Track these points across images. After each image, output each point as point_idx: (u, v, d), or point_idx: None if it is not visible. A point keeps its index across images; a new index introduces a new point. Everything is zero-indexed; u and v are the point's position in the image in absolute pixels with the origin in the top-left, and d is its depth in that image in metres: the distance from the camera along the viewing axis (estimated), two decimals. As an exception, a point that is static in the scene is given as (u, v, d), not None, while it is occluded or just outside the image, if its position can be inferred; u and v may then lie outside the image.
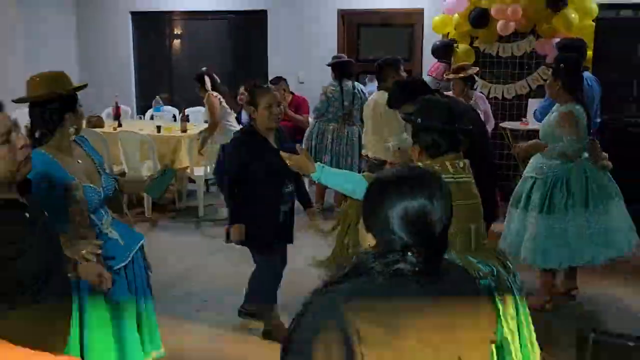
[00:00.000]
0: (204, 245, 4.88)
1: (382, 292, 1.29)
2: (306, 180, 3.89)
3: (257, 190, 3.21)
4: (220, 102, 5.60)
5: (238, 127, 5.46)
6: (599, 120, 4.92)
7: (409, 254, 1.29)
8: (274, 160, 2.96)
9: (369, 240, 1.36)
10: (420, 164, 2.28)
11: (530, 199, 3.73)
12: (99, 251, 2.11)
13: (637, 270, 4.40)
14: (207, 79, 5.60)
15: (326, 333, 1.22)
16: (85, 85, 2.52)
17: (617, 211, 3.77)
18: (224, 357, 3.35)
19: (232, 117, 5.79)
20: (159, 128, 5.69)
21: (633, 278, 4.36)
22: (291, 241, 3.51)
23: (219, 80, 5.75)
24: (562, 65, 3.75)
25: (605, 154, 3.82)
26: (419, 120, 2.36)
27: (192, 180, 5.77)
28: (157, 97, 6.67)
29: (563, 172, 3.66)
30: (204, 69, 5.75)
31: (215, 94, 5.57)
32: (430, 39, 6.26)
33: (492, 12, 5.54)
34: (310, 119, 5.84)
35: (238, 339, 3.46)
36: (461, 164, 2.35)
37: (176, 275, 4.19)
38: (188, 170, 5.60)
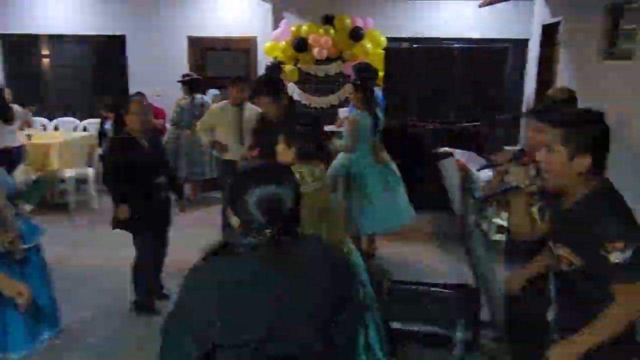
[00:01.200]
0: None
1: (244, 266, 1.40)
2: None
3: (133, 182, 3.46)
4: None
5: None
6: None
7: (266, 231, 1.39)
8: (144, 157, 3.41)
9: (235, 222, 1.47)
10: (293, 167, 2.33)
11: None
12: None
13: (414, 234, 5.29)
14: None
15: (196, 309, 1.32)
16: None
17: (400, 193, 4.51)
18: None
19: None
20: (29, 137, 6.03)
21: (413, 240, 5.29)
22: (168, 224, 3.81)
23: None
24: (358, 82, 4.49)
25: (383, 153, 4.48)
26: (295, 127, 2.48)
27: (63, 180, 6.05)
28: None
29: (363, 163, 4.32)
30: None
31: None
32: (263, 60, 7.23)
33: (310, 40, 6.59)
34: (168, 126, 6.57)
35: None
36: (317, 171, 2.50)
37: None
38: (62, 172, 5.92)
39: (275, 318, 1.36)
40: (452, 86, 7.14)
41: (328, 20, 6.82)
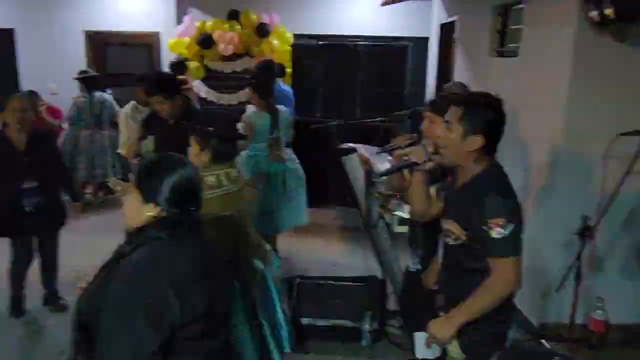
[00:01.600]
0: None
1: (166, 251, 1.47)
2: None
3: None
4: None
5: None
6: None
7: (187, 212, 1.51)
8: (12, 160, 3.22)
9: (148, 211, 1.50)
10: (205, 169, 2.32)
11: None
12: None
13: (323, 229, 5.53)
14: None
15: (153, 297, 1.37)
16: None
17: (301, 191, 4.56)
18: None
19: None
20: None
21: (321, 235, 5.49)
22: (49, 229, 3.67)
23: None
24: (254, 82, 4.52)
25: (278, 152, 4.40)
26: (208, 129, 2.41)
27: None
28: None
29: (264, 164, 4.32)
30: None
31: None
32: (167, 57, 6.91)
33: (215, 37, 6.39)
34: (65, 126, 6.14)
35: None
36: (234, 172, 2.48)
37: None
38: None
39: (212, 294, 1.50)
40: (357, 83, 7.24)
41: (233, 15, 6.64)
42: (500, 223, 1.78)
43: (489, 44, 4.82)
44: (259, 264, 2.43)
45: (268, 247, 2.67)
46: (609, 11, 3.02)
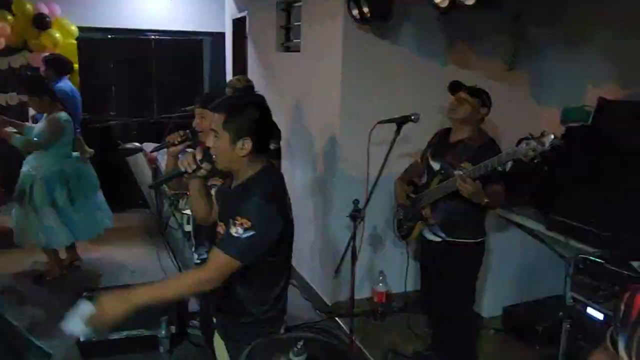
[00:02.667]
0: None
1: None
2: None
3: None
4: None
5: None
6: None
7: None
8: None
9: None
10: None
11: (32, 195, 3.89)
12: None
13: (118, 234, 4.94)
14: None
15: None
16: None
17: (98, 196, 4.29)
18: None
19: None
20: None
21: (118, 240, 4.98)
22: None
23: None
24: (25, 87, 4.05)
25: (89, 149, 4.23)
26: None
27: None
28: None
29: (59, 171, 3.94)
30: None
31: None
32: None
33: None
34: None
35: None
36: None
37: None
38: None
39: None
40: (153, 78, 6.78)
41: (4, 4, 5.68)
42: (245, 225, 1.68)
43: (276, 40, 4.83)
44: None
45: None
46: (365, 10, 3.17)
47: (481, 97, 2.72)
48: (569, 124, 3.33)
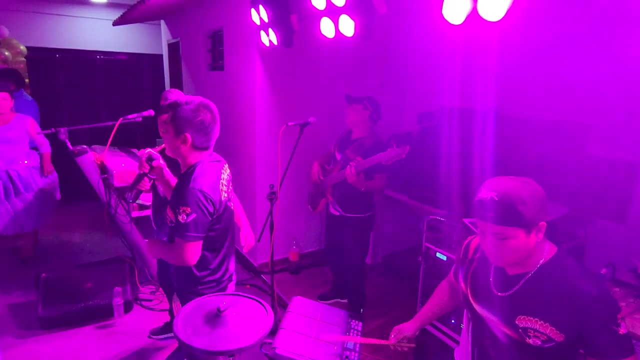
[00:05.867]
0: None
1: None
2: None
3: None
4: None
5: None
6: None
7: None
8: None
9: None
10: None
11: None
12: None
13: (76, 224, 4.76)
14: None
15: None
16: None
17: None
18: None
19: None
20: None
21: (75, 229, 4.73)
22: None
23: None
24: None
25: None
26: None
27: None
28: None
29: None
30: None
31: None
32: None
33: None
34: None
35: None
36: None
37: None
38: None
39: None
40: (101, 93, 6.25)
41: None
42: (187, 211, 1.63)
43: (206, 61, 4.65)
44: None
45: None
46: (273, 38, 3.14)
47: (362, 102, 2.77)
48: (422, 124, 3.56)
